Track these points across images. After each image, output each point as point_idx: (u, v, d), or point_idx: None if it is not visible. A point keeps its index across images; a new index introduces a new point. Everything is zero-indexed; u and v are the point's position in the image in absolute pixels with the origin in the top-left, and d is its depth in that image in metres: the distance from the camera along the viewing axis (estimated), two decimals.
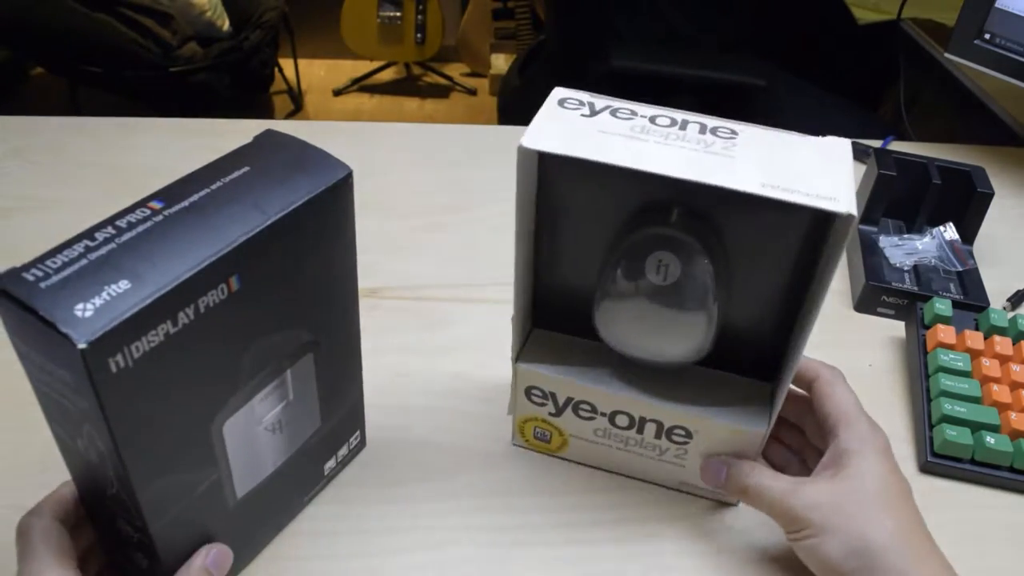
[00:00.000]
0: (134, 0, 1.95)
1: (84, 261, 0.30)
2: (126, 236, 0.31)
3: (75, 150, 0.78)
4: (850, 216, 0.36)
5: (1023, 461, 0.51)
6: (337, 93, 2.71)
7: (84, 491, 0.37)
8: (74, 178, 0.74)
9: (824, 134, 0.43)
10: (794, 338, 0.44)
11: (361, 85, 2.75)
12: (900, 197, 0.70)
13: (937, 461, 0.52)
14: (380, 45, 2.60)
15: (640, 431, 0.48)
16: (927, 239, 0.68)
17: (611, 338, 0.45)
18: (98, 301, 0.29)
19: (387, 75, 2.80)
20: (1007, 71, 0.81)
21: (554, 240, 0.45)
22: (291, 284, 0.37)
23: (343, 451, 0.49)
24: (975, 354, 0.57)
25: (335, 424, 0.46)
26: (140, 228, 0.32)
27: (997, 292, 0.67)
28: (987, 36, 0.81)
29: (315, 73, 2.76)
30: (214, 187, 0.34)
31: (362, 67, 2.74)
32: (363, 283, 0.58)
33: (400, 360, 0.58)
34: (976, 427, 0.53)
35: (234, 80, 2.18)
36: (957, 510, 0.51)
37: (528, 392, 0.49)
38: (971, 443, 0.52)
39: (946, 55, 0.85)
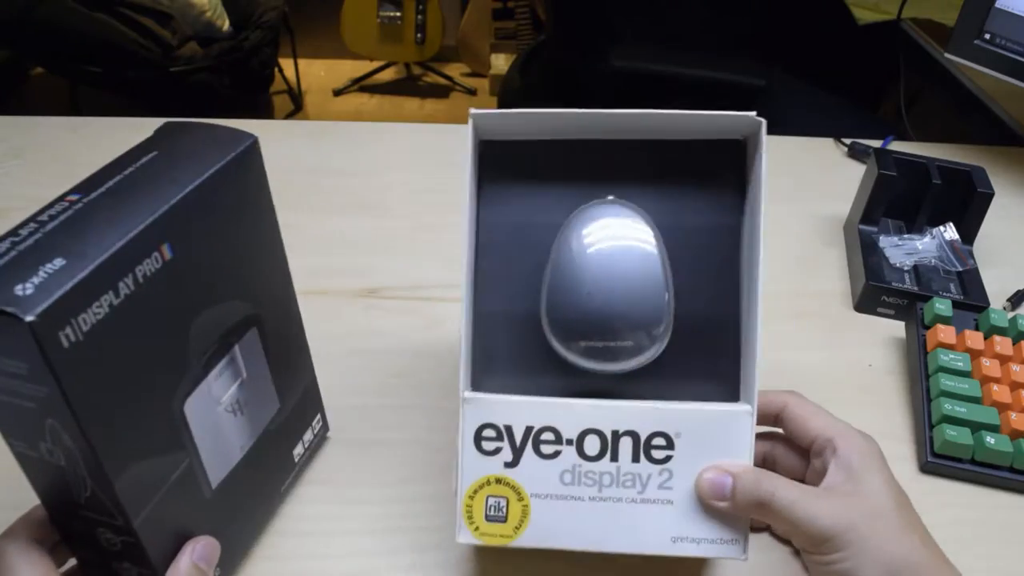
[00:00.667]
0: (134, 0, 1.95)
1: (13, 253, 0.31)
2: (50, 226, 0.32)
3: (75, 150, 0.78)
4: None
5: (1023, 461, 0.51)
6: (337, 93, 2.71)
7: (56, 509, 0.37)
8: (74, 178, 0.74)
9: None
10: (744, 307, 0.42)
11: (361, 85, 2.75)
12: (900, 197, 0.70)
13: (937, 461, 0.52)
14: (380, 45, 2.60)
15: (614, 457, 0.41)
16: (927, 239, 0.68)
17: (561, 337, 0.42)
18: (36, 280, 0.29)
19: (387, 75, 2.80)
20: (1007, 71, 0.81)
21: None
22: (220, 252, 0.38)
23: (308, 435, 0.50)
24: (975, 354, 0.57)
25: (294, 406, 0.47)
26: (62, 217, 0.33)
27: (997, 292, 0.67)
28: (987, 36, 0.81)
29: (315, 73, 2.76)
30: (127, 172, 0.36)
31: (362, 67, 2.74)
32: (362, 283, 0.58)
33: (399, 360, 0.58)
34: (976, 427, 0.53)
35: (234, 80, 2.18)
36: (957, 510, 0.51)
37: (478, 438, 0.41)
38: (971, 443, 0.52)
39: (946, 55, 0.85)
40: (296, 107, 2.60)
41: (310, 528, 0.47)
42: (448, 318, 0.62)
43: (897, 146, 0.86)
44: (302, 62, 2.59)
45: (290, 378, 0.46)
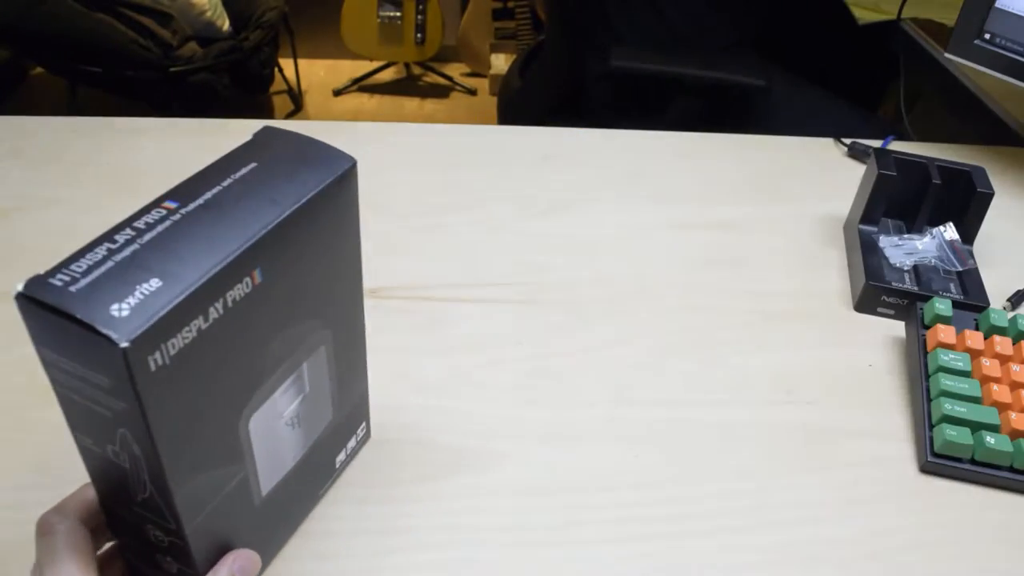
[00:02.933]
0: (134, 0, 1.95)
1: (110, 263, 0.30)
2: (147, 236, 0.31)
3: (75, 150, 0.78)
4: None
5: (1023, 461, 0.51)
6: (337, 93, 2.71)
7: (109, 500, 0.37)
8: (74, 178, 0.74)
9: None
10: None
11: (361, 85, 2.75)
12: (900, 197, 0.70)
13: (937, 461, 0.52)
14: (380, 45, 2.60)
15: None
16: (927, 239, 0.68)
17: None
18: (132, 300, 0.29)
19: (387, 75, 2.80)
20: (1007, 71, 0.81)
21: None
22: (307, 275, 0.38)
23: (351, 443, 0.50)
24: (975, 354, 0.57)
25: (345, 416, 0.47)
26: (159, 228, 0.32)
27: (997, 292, 0.67)
28: (987, 36, 0.81)
29: (315, 73, 2.76)
30: (225, 184, 0.35)
31: (362, 67, 2.74)
32: (363, 283, 0.58)
33: (399, 360, 0.58)
34: (976, 427, 0.53)
35: (234, 80, 2.18)
36: (957, 510, 0.51)
37: None
38: (971, 443, 0.52)
39: (946, 55, 0.85)
40: (296, 107, 2.60)
41: (324, 528, 0.47)
42: (449, 318, 0.62)
43: (897, 146, 0.86)
44: (302, 62, 2.59)
45: (347, 390, 0.46)
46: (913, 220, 0.71)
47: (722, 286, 0.67)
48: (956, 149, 0.88)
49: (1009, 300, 0.67)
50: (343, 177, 0.38)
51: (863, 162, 0.84)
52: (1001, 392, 0.54)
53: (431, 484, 0.50)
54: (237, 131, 0.83)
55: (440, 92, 2.78)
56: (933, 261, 0.67)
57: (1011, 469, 0.52)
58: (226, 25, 2.16)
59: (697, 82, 1.24)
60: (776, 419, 0.56)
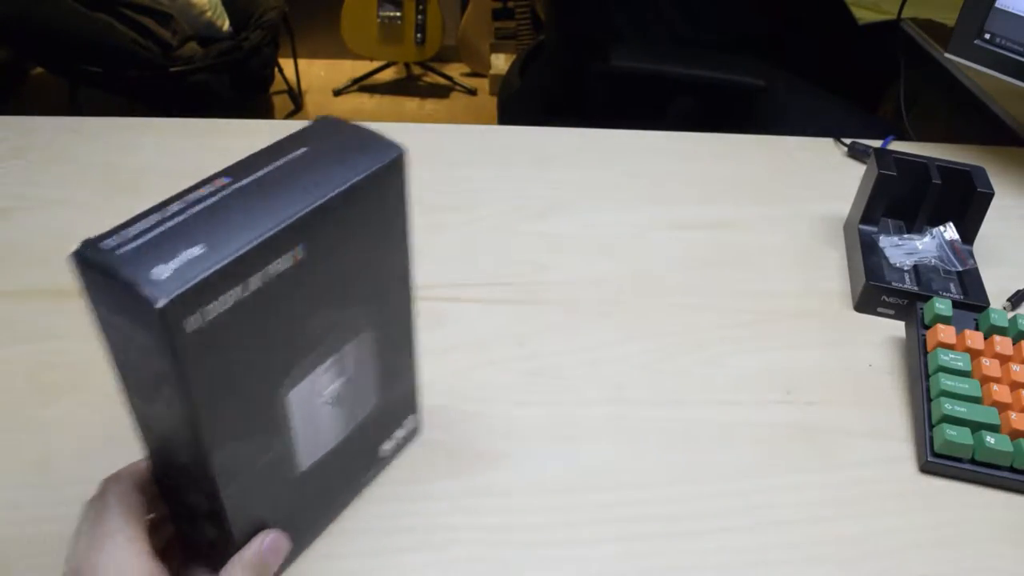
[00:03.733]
0: (134, 0, 1.95)
1: (159, 230, 0.32)
2: (197, 208, 0.33)
3: (75, 150, 0.78)
4: None
5: (1023, 461, 0.51)
6: (337, 93, 2.71)
7: (156, 463, 0.39)
8: (74, 178, 0.74)
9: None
10: None
11: (361, 85, 2.75)
12: (900, 197, 0.70)
13: (937, 461, 0.52)
14: (380, 45, 2.60)
15: None
16: (927, 239, 0.68)
17: None
18: (175, 264, 0.30)
19: (387, 75, 2.80)
20: (1007, 71, 0.81)
21: None
22: (351, 258, 0.38)
23: (399, 433, 0.50)
24: (975, 354, 0.57)
25: (390, 405, 0.47)
26: (210, 200, 0.33)
27: (997, 292, 0.67)
28: (987, 36, 0.81)
29: (315, 73, 2.76)
30: (277, 164, 0.36)
31: (362, 67, 2.74)
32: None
33: None
34: (976, 427, 0.53)
35: (234, 80, 2.18)
36: (957, 510, 0.51)
37: None
38: (971, 443, 0.52)
39: (946, 55, 0.85)
40: (296, 107, 2.60)
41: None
42: (449, 317, 0.62)
43: (897, 146, 0.86)
44: (302, 62, 2.59)
45: (392, 379, 0.47)
46: (913, 220, 0.71)
47: (722, 286, 0.67)
48: (956, 149, 0.88)
49: (1009, 300, 0.67)
50: (392, 164, 0.39)
51: (863, 162, 0.84)
52: (1001, 392, 0.54)
53: (430, 484, 0.50)
54: (237, 131, 0.83)
55: (440, 92, 2.78)
56: (933, 261, 0.67)
57: (1011, 469, 0.52)
58: (226, 25, 2.16)
59: (697, 82, 1.24)
60: (776, 419, 0.56)
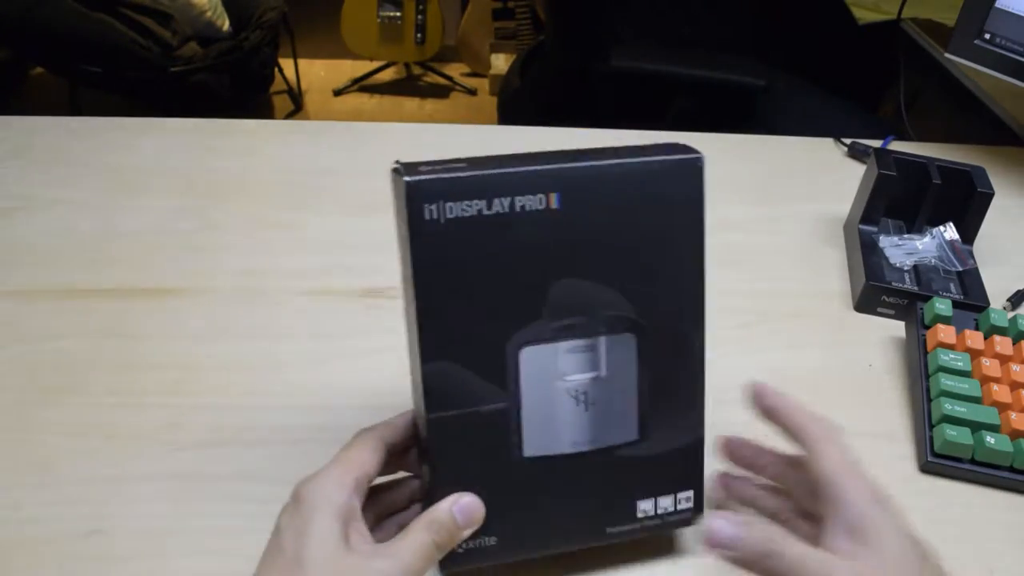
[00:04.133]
0: (134, 0, 1.95)
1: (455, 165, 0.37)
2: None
3: (75, 150, 0.78)
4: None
5: (1023, 461, 0.51)
6: (337, 93, 2.71)
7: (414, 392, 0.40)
8: (74, 178, 0.74)
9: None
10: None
11: (361, 85, 2.75)
12: (900, 197, 0.70)
13: (937, 461, 0.52)
14: (380, 45, 2.60)
15: None
16: (927, 239, 0.68)
17: None
18: (438, 168, 0.36)
19: (387, 75, 2.80)
20: (1007, 71, 0.81)
21: None
22: (619, 236, 0.38)
23: (665, 502, 0.43)
24: (975, 354, 0.57)
25: (659, 455, 0.42)
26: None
27: (997, 292, 0.67)
28: (987, 36, 0.81)
29: (315, 73, 2.76)
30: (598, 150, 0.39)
31: (362, 67, 2.74)
32: (364, 283, 0.58)
33: (401, 359, 0.58)
34: (976, 427, 0.53)
35: (234, 80, 2.18)
36: (957, 510, 0.51)
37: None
38: (971, 443, 0.52)
39: (946, 55, 0.85)
40: (296, 107, 2.60)
41: None
42: None
43: (897, 146, 0.86)
44: (302, 62, 2.59)
45: (664, 420, 0.42)
46: (913, 220, 0.71)
47: (722, 286, 0.67)
48: (956, 149, 0.88)
49: (1009, 300, 0.67)
50: (685, 163, 0.39)
51: (863, 162, 0.84)
52: (1001, 392, 0.54)
53: None
54: (237, 131, 0.83)
55: (440, 92, 2.78)
56: (933, 261, 0.67)
57: (1011, 469, 0.52)
58: (226, 25, 2.16)
59: (697, 82, 1.25)
60: None
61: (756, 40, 1.40)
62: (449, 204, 0.35)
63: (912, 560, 0.36)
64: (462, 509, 0.38)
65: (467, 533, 0.39)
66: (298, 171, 0.77)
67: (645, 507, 0.43)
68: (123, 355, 0.56)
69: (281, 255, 0.67)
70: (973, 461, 0.52)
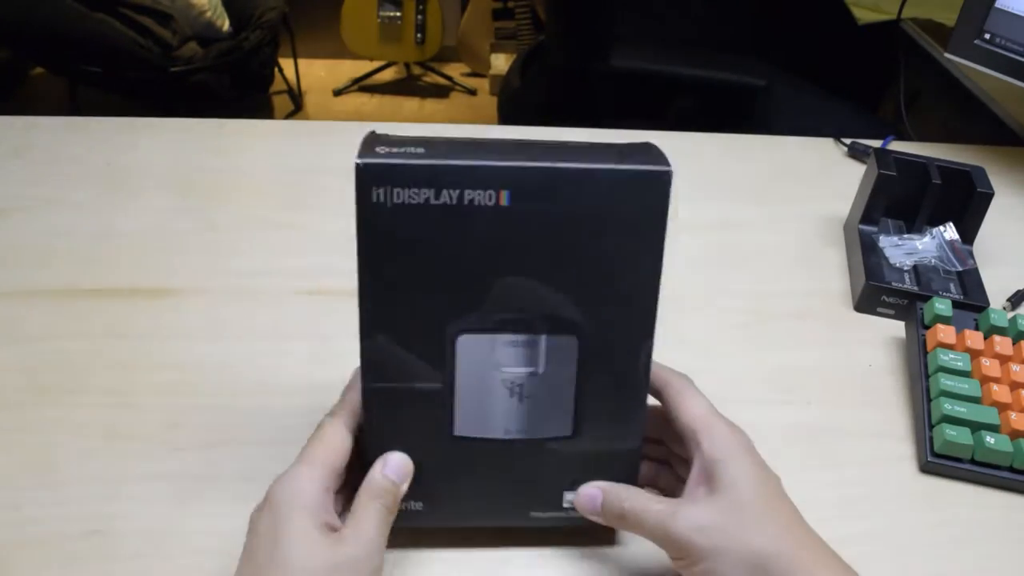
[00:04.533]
0: (134, 0, 1.95)
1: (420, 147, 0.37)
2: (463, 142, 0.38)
3: (75, 150, 0.78)
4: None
5: (1023, 461, 0.51)
6: (337, 93, 2.71)
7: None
8: (74, 178, 0.74)
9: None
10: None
11: (361, 85, 2.75)
12: (900, 197, 0.70)
13: (937, 461, 0.52)
14: (380, 45, 2.60)
15: None
16: (927, 239, 0.68)
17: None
18: (395, 150, 0.36)
19: (387, 75, 2.80)
20: (1007, 71, 0.81)
21: None
22: (572, 242, 0.38)
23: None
24: (975, 354, 0.57)
25: (592, 453, 0.43)
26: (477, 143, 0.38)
27: (997, 292, 0.67)
28: (987, 36, 0.81)
29: (315, 73, 2.76)
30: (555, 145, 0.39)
31: (362, 67, 2.74)
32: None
33: None
34: (976, 427, 0.53)
35: (234, 80, 2.18)
36: (957, 510, 0.51)
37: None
38: (971, 443, 0.52)
39: (946, 55, 0.85)
40: (296, 107, 2.60)
41: None
42: None
43: (897, 146, 0.86)
44: (302, 62, 2.59)
45: (601, 422, 0.43)
46: (913, 220, 0.71)
47: (722, 286, 0.67)
48: (956, 149, 0.88)
49: (1009, 300, 0.67)
50: (646, 175, 0.37)
51: (863, 162, 0.84)
52: (1001, 392, 0.54)
53: None
54: (237, 131, 0.83)
55: (440, 92, 2.78)
56: (933, 261, 0.67)
57: (1011, 469, 0.52)
58: (226, 25, 2.16)
59: (697, 82, 1.25)
60: (776, 419, 0.56)
61: (756, 40, 1.40)
62: (397, 190, 0.36)
63: (766, 500, 0.39)
64: (392, 468, 0.40)
65: (405, 487, 0.41)
66: (298, 171, 0.77)
67: (572, 498, 0.44)
68: (123, 355, 0.56)
69: (281, 255, 0.67)
70: (973, 461, 0.52)
